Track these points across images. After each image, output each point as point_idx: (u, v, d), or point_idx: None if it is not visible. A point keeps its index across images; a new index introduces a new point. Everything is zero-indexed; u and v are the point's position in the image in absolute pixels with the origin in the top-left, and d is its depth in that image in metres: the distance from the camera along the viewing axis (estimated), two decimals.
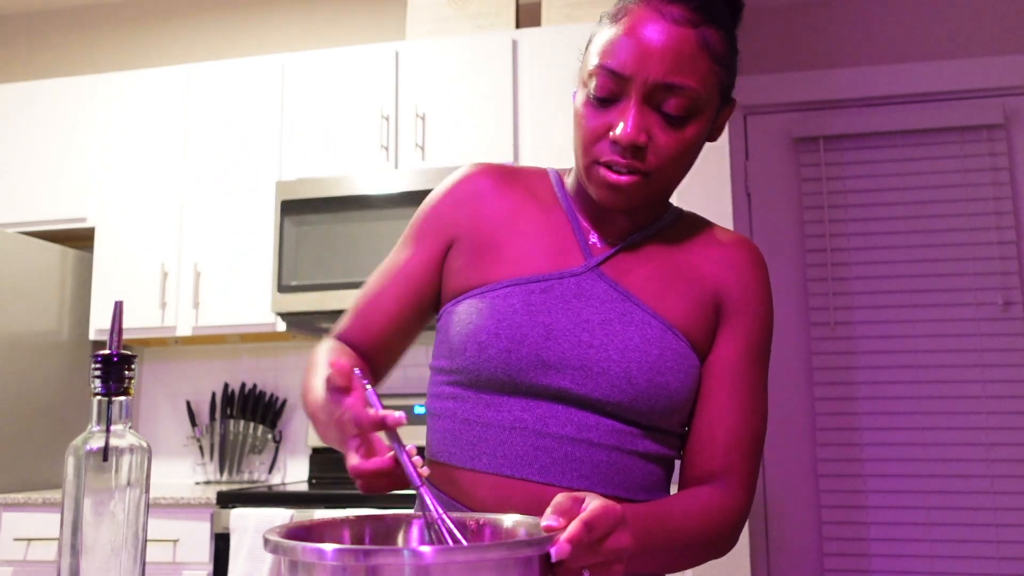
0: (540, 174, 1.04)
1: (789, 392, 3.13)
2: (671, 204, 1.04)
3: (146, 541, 0.76)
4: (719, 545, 0.90)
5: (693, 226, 1.02)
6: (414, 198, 2.70)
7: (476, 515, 0.72)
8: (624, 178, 0.89)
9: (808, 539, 3.05)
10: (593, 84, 0.90)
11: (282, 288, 2.76)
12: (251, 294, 2.91)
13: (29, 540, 2.63)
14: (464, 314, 0.94)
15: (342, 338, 1.01)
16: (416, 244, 1.02)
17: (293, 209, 2.79)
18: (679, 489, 0.95)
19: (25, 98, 3.23)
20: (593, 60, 0.91)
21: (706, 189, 2.41)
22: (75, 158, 3.14)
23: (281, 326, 2.86)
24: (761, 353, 0.97)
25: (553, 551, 0.61)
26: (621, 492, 0.92)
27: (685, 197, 2.62)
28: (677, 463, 2.65)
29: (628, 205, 0.92)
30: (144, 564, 0.75)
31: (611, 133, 0.89)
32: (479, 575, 0.55)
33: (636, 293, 0.94)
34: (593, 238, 0.98)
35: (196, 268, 2.95)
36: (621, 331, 0.91)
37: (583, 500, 0.69)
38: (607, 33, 0.91)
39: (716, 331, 0.96)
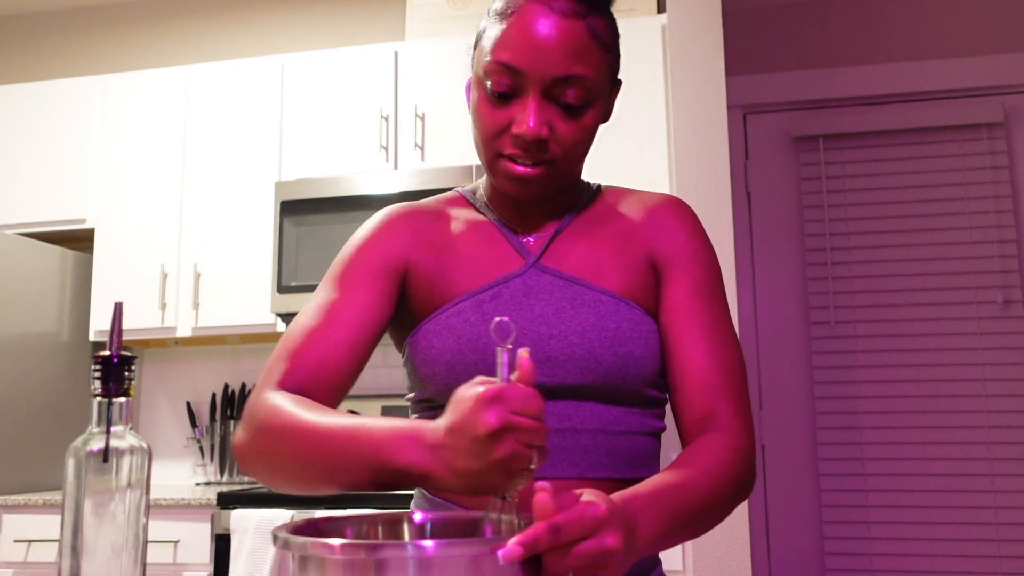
0: (453, 197, 1.06)
1: (789, 392, 3.13)
2: (585, 182, 1.06)
3: (147, 542, 0.76)
4: (737, 492, 0.87)
5: (615, 197, 1.05)
6: (413, 198, 2.70)
7: (469, 514, 0.73)
8: (530, 170, 0.92)
9: (808, 539, 3.05)
10: (489, 80, 0.91)
11: (282, 289, 2.76)
12: (251, 295, 2.91)
13: (29, 542, 2.63)
14: (424, 342, 0.95)
15: (286, 387, 0.90)
16: (356, 282, 0.96)
17: (292, 209, 2.79)
18: (682, 444, 0.95)
19: (25, 99, 3.23)
20: (487, 56, 0.92)
21: (706, 189, 2.41)
22: (75, 159, 3.14)
23: (281, 327, 2.86)
24: (709, 289, 0.97)
25: (500, 554, 0.59)
26: (611, 473, 0.92)
27: (685, 197, 2.61)
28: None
29: (538, 194, 0.94)
30: (144, 565, 0.75)
31: (513, 128, 0.91)
32: (468, 570, 0.57)
33: (579, 275, 0.96)
34: (525, 237, 1.00)
35: (196, 269, 2.95)
36: (575, 315, 0.93)
37: (577, 497, 0.67)
38: (498, 29, 0.92)
39: (659, 289, 0.98)
